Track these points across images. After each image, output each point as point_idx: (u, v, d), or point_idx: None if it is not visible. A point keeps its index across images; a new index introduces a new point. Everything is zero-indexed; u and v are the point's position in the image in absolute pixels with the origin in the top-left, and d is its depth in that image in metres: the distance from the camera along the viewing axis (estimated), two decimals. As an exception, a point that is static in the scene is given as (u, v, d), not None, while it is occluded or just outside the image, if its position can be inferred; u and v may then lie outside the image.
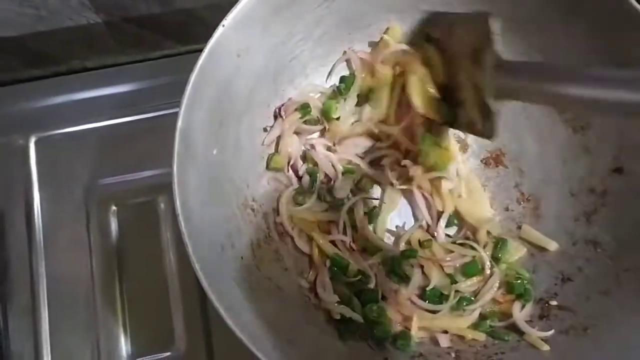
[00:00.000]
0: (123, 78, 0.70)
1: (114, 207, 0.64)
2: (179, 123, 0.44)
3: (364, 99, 0.59)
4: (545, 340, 0.50)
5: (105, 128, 0.67)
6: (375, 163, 0.60)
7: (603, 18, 0.49)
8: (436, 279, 0.55)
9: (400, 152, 0.59)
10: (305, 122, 0.58)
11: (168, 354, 0.59)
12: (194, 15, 0.70)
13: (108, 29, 0.69)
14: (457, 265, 0.56)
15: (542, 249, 0.56)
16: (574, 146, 0.55)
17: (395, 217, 0.60)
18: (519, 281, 0.54)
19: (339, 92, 0.58)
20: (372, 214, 0.58)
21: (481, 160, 0.61)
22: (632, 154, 0.51)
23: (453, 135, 0.60)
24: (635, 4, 0.46)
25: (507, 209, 0.59)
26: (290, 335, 0.47)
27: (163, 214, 0.64)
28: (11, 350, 0.59)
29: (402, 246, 0.57)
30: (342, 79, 0.60)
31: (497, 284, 0.55)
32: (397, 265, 0.55)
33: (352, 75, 0.59)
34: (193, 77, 0.45)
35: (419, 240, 0.58)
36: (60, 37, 0.68)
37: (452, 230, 0.60)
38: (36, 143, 0.66)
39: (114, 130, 0.67)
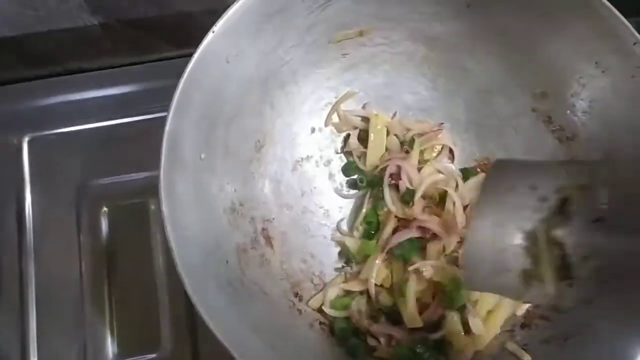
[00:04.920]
0: (118, 80, 0.70)
1: (105, 208, 0.64)
2: (167, 127, 0.44)
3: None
4: (526, 349, 0.50)
5: (99, 129, 0.68)
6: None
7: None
8: None
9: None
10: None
11: (154, 355, 0.60)
12: (190, 19, 0.70)
13: (105, 31, 0.70)
14: None
15: (527, 258, 0.56)
16: (560, 157, 0.55)
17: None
18: None
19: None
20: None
21: (468, 169, 0.62)
22: (615, 167, 0.51)
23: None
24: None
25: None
26: (273, 341, 0.47)
27: (153, 216, 0.64)
28: (-2, 349, 0.59)
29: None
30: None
31: None
32: None
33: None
34: (182, 82, 0.45)
35: None
36: (58, 38, 0.69)
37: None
38: (29, 143, 0.66)
39: (107, 131, 0.68)
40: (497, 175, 0.45)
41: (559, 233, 0.41)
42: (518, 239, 0.43)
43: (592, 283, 0.48)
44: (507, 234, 0.43)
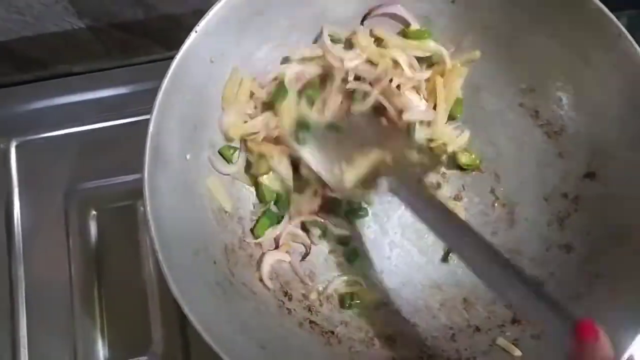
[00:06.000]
0: (105, 83, 0.70)
1: (93, 212, 0.64)
2: (150, 129, 0.45)
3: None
4: (517, 345, 0.50)
5: (87, 132, 0.68)
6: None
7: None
8: None
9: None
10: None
11: (145, 357, 0.59)
12: (179, 21, 0.70)
13: (93, 34, 0.70)
14: None
15: (516, 253, 0.56)
16: (548, 151, 0.56)
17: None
18: None
19: None
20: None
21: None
22: (604, 160, 0.51)
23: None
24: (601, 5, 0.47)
25: (482, 214, 0.59)
26: (262, 340, 0.47)
27: (142, 218, 0.64)
28: (-11, 354, 0.59)
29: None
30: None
31: None
32: None
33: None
34: (165, 83, 0.45)
35: None
36: (46, 43, 0.69)
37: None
38: (17, 147, 0.66)
39: (95, 134, 0.67)
40: None
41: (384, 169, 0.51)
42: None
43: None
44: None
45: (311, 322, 0.54)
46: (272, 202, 0.57)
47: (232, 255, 0.53)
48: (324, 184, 0.55)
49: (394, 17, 0.57)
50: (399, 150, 0.54)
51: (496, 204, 0.59)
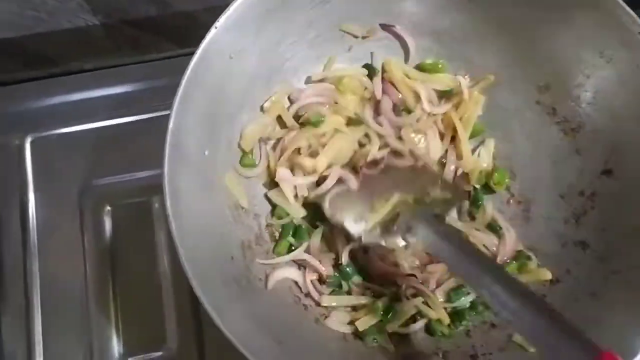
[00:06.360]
0: (119, 79, 0.70)
1: (108, 208, 0.64)
2: (170, 125, 0.44)
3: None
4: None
5: (101, 129, 0.68)
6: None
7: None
8: None
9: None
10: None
11: (160, 353, 0.60)
12: (191, 18, 0.70)
13: (106, 31, 0.70)
14: None
15: (531, 250, 0.56)
16: (564, 148, 0.55)
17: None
18: None
19: None
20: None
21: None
22: (621, 157, 0.51)
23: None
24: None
25: (498, 210, 0.59)
26: (279, 336, 0.47)
27: (157, 215, 0.64)
28: (4, 350, 0.59)
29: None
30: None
31: None
32: None
33: None
34: (185, 79, 0.45)
35: None
36: (59, 39, 0.69)
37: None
38: (32, 143, 0.66)
39: (109, 131, 0.68)
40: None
41: (404, 208, 0.52)
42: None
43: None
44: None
45: (327, 317, 0.54)
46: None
47: (249, 251, 0.53)
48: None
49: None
50: (421, 190, 0.54)
51: (511, 201, 0.59)
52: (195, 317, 0.60)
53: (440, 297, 0.55)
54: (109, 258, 0.63)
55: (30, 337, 0.60)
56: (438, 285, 0.56)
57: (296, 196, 0.56)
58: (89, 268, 0.62)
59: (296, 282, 0.55)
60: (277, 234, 0.57)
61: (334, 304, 0.54)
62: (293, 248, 0.56)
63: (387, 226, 0.52)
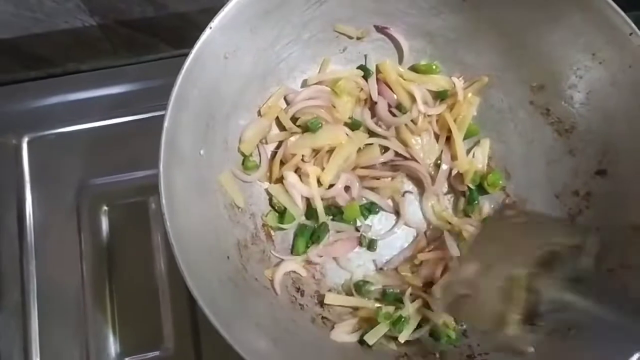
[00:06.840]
0: (116, 80, 0.70)
1: (105, 207, 0.65)
2: (165, 124, 0.45)
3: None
4: (529, 341, 0.50)
5: (98, 129, 0.68)
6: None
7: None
8: None
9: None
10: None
11: (157, 353, 0.60)
12: (187, 19, 0.70)
13: (103, 31, 0.70)
14: None
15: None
16: (558, 149, 0.56)
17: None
18: None
19: None
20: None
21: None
22: (614, 157, 0.52)
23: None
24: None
25: (493, 211, 0.59)
26: (275, 335, 0.48)
27: (154, 214, 0.64)
28: (0, 349, 0.59)
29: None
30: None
31: None
32: None
33: None
34: (180, 79, 0.45)
35: None
36: (56, 40, 0.69)
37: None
38: (29, 143, 0.66)
39: (106, 131, 0.68)
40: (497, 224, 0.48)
41: (541, 282, 0.41)
42: (500, 281, 0.43)
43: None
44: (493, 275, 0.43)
45: (323, 317, 0.54)
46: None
47: (245, 250, 0.53)
48: None
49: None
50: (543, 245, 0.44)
51: (507, 201, 0.59)
52: (192, 317, 0.60)
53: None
54: (105, 257, 0.63)
55: (26, 336, 0.60)
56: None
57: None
58: (86, 267, 0.62)
59: (295, 281, 0.56)
60: (273, 234, 0.57)
61: (336, 303, 0.55)
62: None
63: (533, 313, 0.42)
